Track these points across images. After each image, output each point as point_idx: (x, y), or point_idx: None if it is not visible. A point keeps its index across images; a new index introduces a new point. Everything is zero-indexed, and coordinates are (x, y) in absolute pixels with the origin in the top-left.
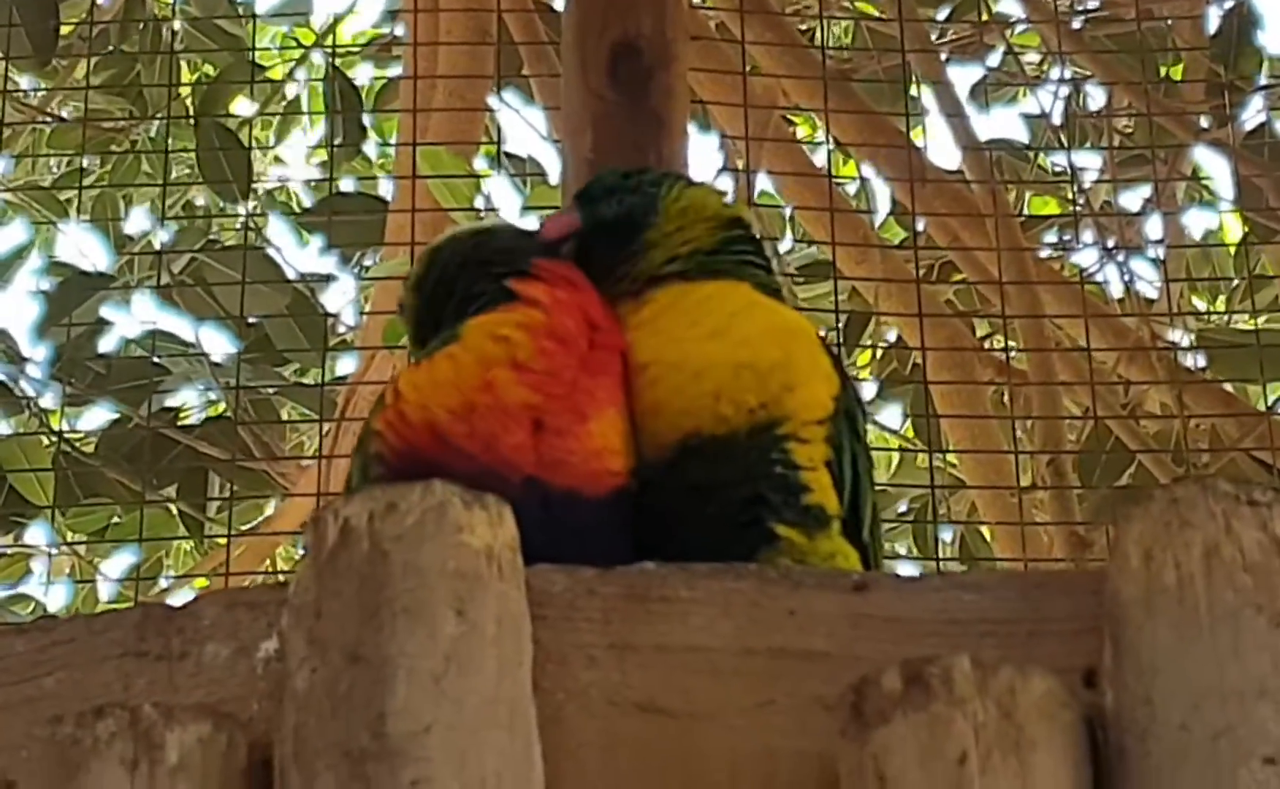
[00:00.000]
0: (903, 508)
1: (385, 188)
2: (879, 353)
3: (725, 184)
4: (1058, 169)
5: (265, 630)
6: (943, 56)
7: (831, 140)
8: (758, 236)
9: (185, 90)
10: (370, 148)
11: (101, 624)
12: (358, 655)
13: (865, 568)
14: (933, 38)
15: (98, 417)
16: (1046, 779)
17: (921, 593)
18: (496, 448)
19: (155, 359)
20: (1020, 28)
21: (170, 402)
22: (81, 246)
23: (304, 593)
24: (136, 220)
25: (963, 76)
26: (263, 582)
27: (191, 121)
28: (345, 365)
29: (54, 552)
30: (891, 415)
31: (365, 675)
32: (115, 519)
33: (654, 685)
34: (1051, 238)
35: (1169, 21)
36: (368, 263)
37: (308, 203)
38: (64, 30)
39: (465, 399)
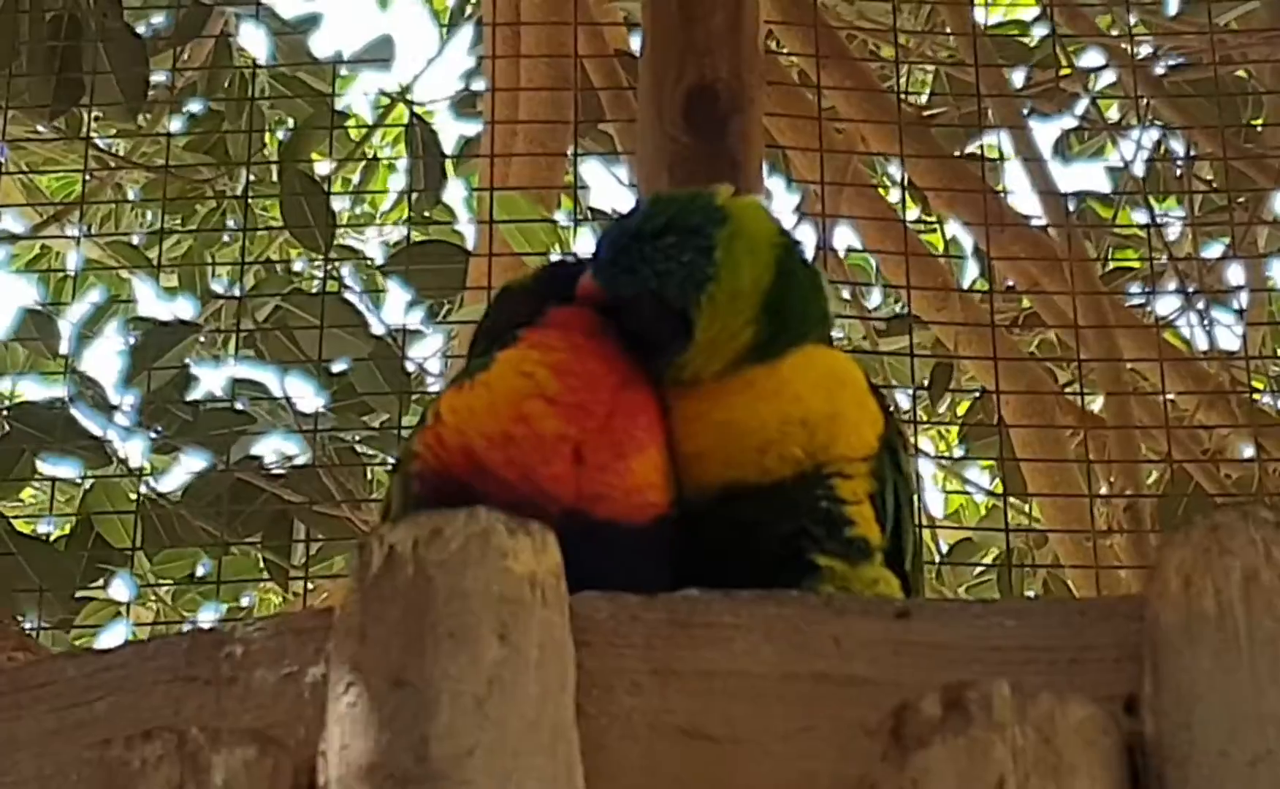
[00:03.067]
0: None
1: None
2: (961, 403)
3: (803, 232)
4: (1141, 224)
5: (313, 656)
6: (1024, 110)
7: (909, 186)
8: (804, 256)
9: (269, 148)
10: (456, 198)
11: (151, 650)
12: (402, 679)
13: (907, 596)
14: (1013, 87)
15: (185, 465)
16: None
17: (963, 620)
18: (535, 478)
19: (240, 407)
20: (1101, 79)
21: (255, 449)
22: (166, 304)
23: (349, 618)
24: (220, 276)
25: (1045, 132)
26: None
27: (275, 176)
28: None
29: (137, 599)
30: (978, 471)
31: (409, 699)
32: (201, 566)
33: (696, 710)
34: (1135, 289)
35: (1249, 67)
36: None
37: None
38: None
39: (501, 428)
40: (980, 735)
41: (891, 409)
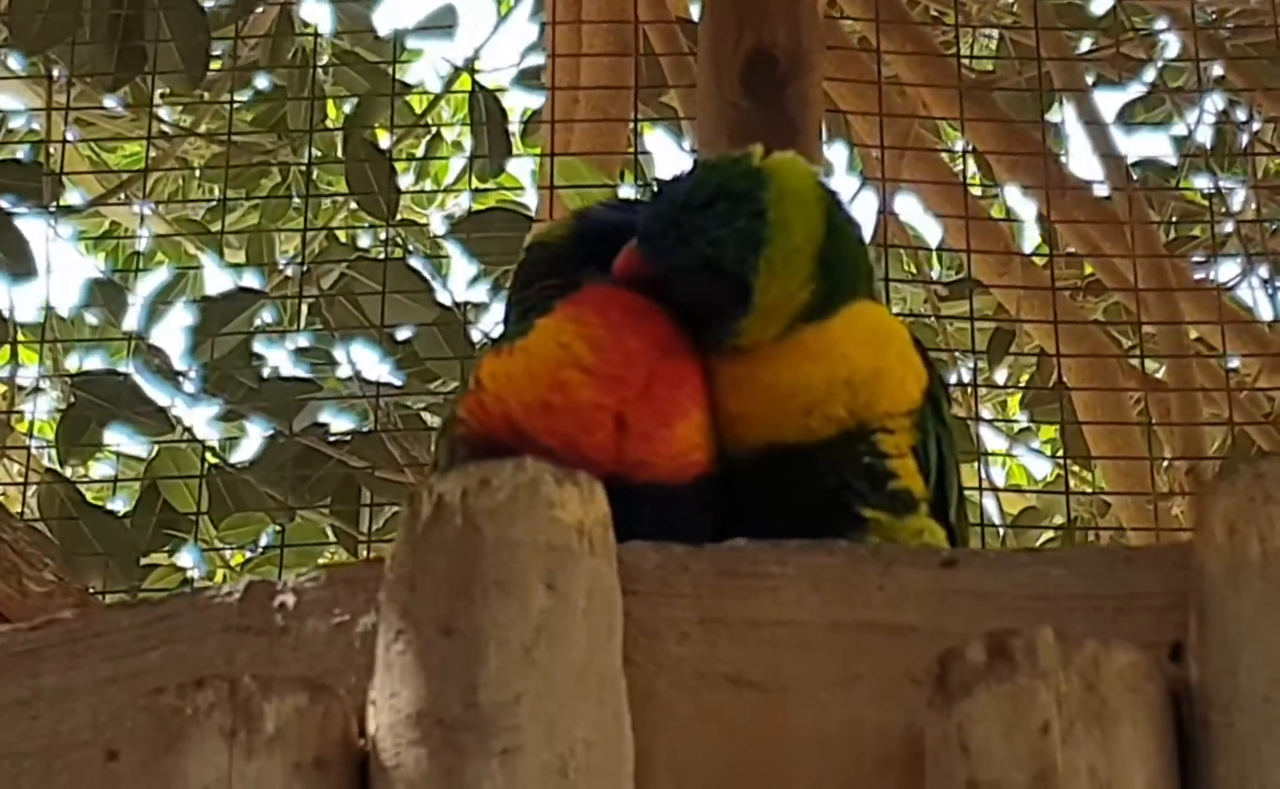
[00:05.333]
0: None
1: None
2: (1023, 372)
3: (865, 197)
4: (1204, 191)
5: (364, 605)
6: (1089, 79)
7: (971, 150)
8: (846, 210)
9: (332, 120)
10: (522, 171)
11: (204, 601)
12: (450, 628)
13: (952, 546)
14: (1077, 52)
15: (252, 433)
16: (1129, 751)
17: (1010, 568)
18: (577, 445)
19: (305, 374)
20: (1164, 45)
21: (321, 417)
22: (231, 277)
23: (399, 567)
24: (285, 251)
25: (1109, 100)
26: None
27: (339, 148)
28: None
29: (203, 566)
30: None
31: (457, 647)
32: (267, 535)
33: (744, 659)
34: (1198, 258)
35: None
36: None
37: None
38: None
39: (539, 396)
40: (1025, 683)
41: (933, 361)
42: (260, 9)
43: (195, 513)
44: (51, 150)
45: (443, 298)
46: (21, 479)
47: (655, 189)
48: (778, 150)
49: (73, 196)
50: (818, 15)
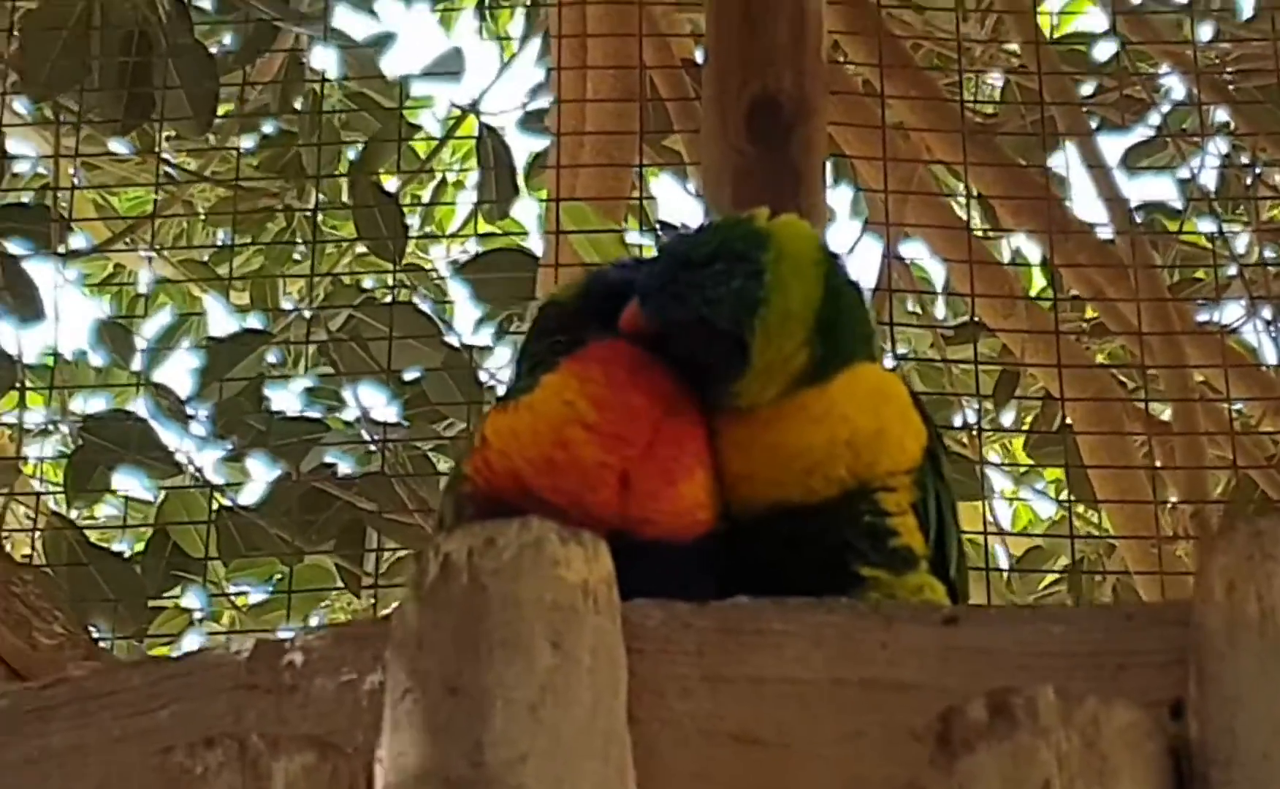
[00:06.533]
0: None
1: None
2: (1028, 414)
3: (869, 240)
4: (1207, 233)
5: (371, 663)
6: (1093, 123)
7: (975, 196)
8: (846, 273)
9: (339, 165)
10: (527, 214)
11: (214, 659)
12: (457, 686)
13: (953, 602)
14: (1080, 96)
15: (258, 474)
16: None
17: (1011, 625)
18: (582, 503)
19: (312, 415)
20: (1167, 89)
21: (327, 458)
22: (236, 320)
23: (406, 626)
24: (290, 293)
25: (1112, 144)
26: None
27: (346, 192)
28: None
29: (211, 608)
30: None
31: (464, 705)
32: (276, 574)
33: (747, 716)
34: (1201, 301)
35: None
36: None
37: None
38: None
39: (543, 453)
40: (1026, 740)
41: (932, 418)
42: (267, 55)
43: (205, 558)
44: (59, 194)
45: (449, 339)
46: (29, 523)
47: (660, 245)
48: (783, 196)
49: (78, 240)
50: (822, 61)
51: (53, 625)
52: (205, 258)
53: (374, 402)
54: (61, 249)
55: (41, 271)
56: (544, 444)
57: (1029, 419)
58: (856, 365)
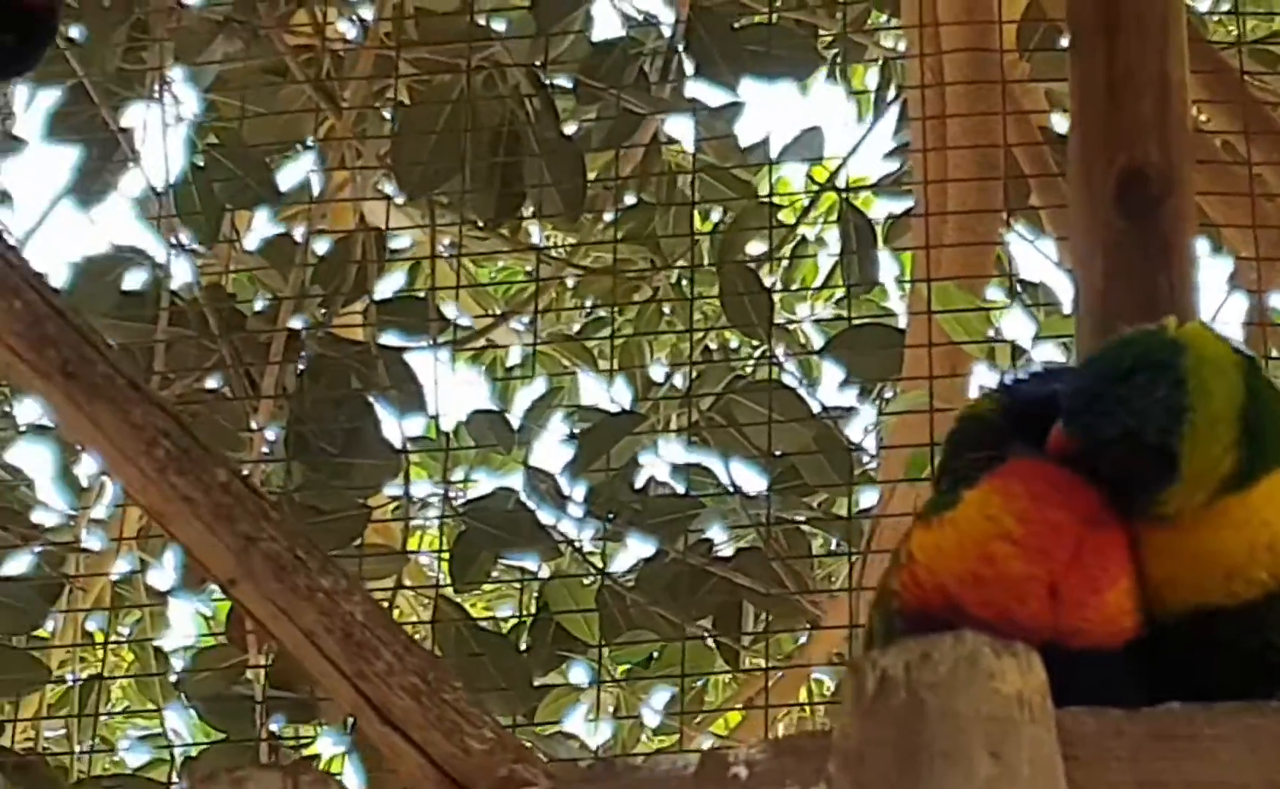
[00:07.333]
0: None
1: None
2: None
3: (1237, 305)
4: None
5: (813, 776)
6: None
7: None
8: (1262, 373)
9: (702, 238)
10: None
11: (661, 772)
12: None
13: None
14: None
15: (633, 551)
16: None
17: None
18: (1011, 615)
19: (686, 492)
20: None
21: (705, 534)
22: (607, 391)
23: (847, 740)
24: (658, 359)
25: None
26: (799, 713)
27: (707, 261)
28: (869, 494)
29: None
30: None
31: None
32: (655, 653)
33: None
34: None
35: None
36: (887, 394)
37: (817, 341)
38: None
39: (970, 568)
40: None
41: None
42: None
43: (598, 645)
44: (429, 275)
45: (814, 404)
46: (415, 604)
47: (1077, 364)
48: (1154, 269)
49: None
50: (1188, 131)
51: (483, 730)
52: (575, 328)
53: (745, 476)
54: (440, 337)
55: (420, 359)
56: (970, 559)
57: None
58: (1276, 471)
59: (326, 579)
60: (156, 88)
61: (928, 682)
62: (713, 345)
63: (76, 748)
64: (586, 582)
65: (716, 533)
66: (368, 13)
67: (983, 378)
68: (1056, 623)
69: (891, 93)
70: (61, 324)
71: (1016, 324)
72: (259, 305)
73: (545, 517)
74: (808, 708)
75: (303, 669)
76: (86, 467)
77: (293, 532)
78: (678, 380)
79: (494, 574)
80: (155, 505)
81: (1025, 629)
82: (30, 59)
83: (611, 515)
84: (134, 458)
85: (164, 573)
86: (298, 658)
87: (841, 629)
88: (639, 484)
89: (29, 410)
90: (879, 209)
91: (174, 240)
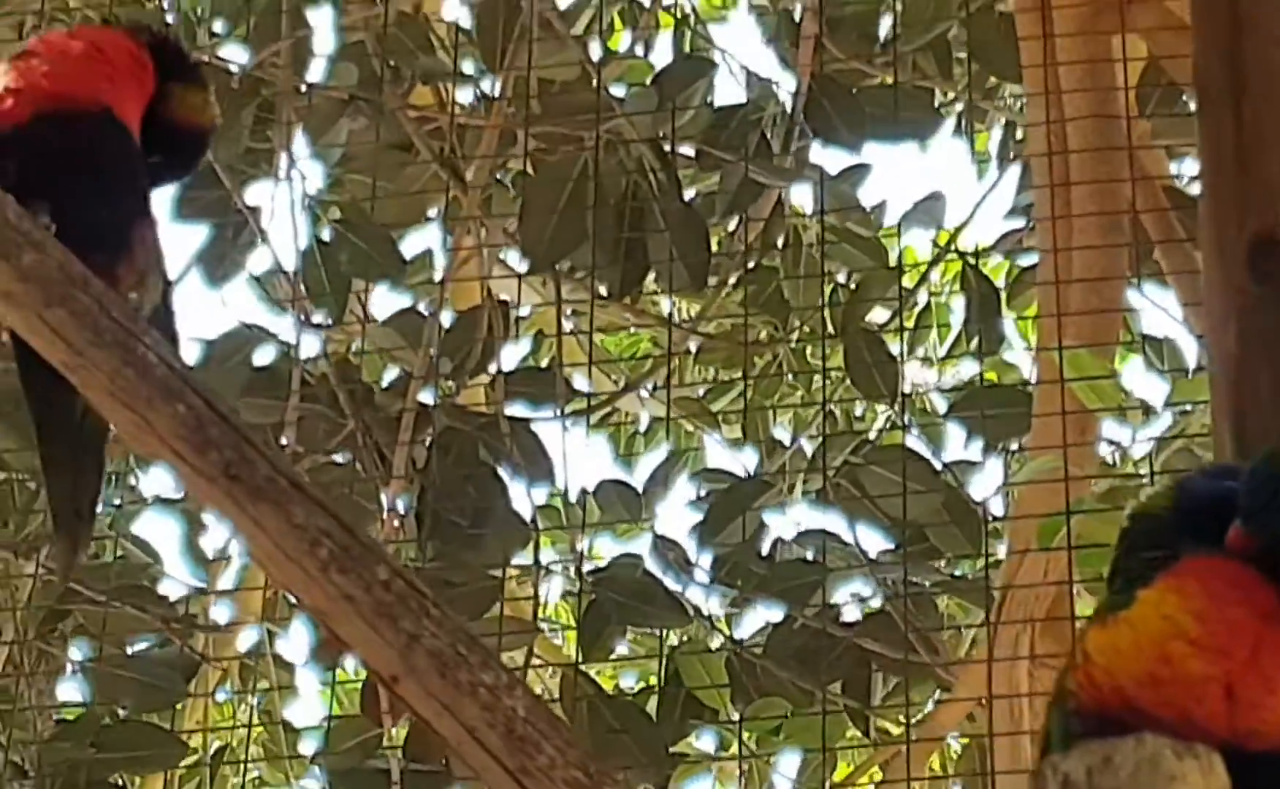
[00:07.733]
0: None
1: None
2: None
3: None
4: None
5: None
6: None
7: None
8: None
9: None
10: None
11: None
12: None
13: None
14: None
15: (760, 615)
16: None
17: None
18: (1189, 716)
19: (812, 557)
20: None
21: (833, 599)
22: (733, 456)
23: None
24: (781, 421)
25: None
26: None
27: (832, 325)
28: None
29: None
30: None
31: None
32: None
33: None
34: None
35: None
36: (1012, 448)
37: (941, 405)
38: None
39: (1147, 669)
40: None
41: None
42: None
43: (740, 720)
44: (552, 344)
45: (937, 463)
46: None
47: (1253, 463)
48: None
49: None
50: None
51: None
52: (700, 393)
53: (871, 539)
54: (566, 407)
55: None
56: (1147, 660)
57: None
58: None
59: (488, 674)
60: (283, 167)
61: (1109, 785)
62: (835, 410)
63: None
64: (714, 647)
65: (843, 597)
66: (489, 85)
67: (1111, 433)
68: (1233, 724)
69: (1011, 151)
70: (224, 427)
71: (1140, 378)
72: (386, 379)
73: (671, 583)
74: (942, 777)
75: (437, 742)
76: (213, 538)
77: (454, 627)
78: (803, 444)
79: (623, 642)
80: (319, 604)
81: (1202, 730)
82: (181, 173)
83: (739, 582)
84: (297, 558)
85: (291, 643)
86: (460, 754)
87: (971, 702)
88: (765, 550)
89: (154, 482)
90: (996, 260)
91: (303, 316)
